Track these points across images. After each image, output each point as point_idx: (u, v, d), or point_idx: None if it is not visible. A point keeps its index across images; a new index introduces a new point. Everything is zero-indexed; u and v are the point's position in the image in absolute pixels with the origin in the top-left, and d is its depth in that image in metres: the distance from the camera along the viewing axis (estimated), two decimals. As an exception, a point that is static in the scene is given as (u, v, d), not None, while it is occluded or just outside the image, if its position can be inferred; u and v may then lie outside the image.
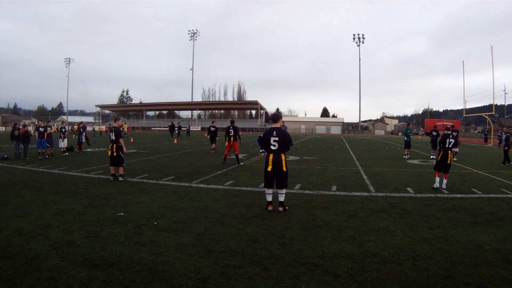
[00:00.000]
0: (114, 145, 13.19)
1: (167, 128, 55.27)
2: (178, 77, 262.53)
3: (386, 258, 5.68)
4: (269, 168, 8.73)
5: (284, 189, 8.85)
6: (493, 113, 50.37)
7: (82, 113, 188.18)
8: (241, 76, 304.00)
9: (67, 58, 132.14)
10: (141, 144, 35.72)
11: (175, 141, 40.24)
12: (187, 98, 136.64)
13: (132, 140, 41.37)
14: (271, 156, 8.78)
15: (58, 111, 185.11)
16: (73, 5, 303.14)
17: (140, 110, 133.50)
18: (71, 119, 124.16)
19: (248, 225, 7.52)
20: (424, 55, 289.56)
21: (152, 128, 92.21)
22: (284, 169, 8.74)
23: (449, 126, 13.65)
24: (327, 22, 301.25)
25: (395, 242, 6.46)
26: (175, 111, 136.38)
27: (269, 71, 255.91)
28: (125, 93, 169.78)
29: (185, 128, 59.38)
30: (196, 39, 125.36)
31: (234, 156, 18.79)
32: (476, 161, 22.89)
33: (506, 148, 21.13)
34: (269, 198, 8.88)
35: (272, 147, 8.80)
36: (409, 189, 12.08)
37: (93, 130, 61.05)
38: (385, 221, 7.95)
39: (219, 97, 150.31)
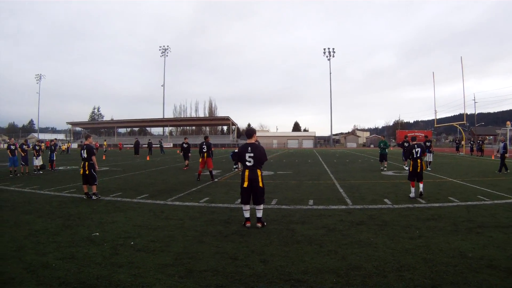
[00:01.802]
0: (86, 163, 12.87)
1: (146, 146, 54.46)
2: (149, 94, 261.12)
3: (370, 270, 5.61)
4: (245, 184, 8.64)
5: (262, 205, 8.74)
6: (464, 122, 51.25)
7: (53, 130, 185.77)
8: (212, 92, 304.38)
9: (38, 74, 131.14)
10: (114, 161, 35.32)
11: (148, 158, 39.93)
12: (157, 115, 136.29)
13: (104, 157, 40.78)
14: (246, 172, 8.69)
15: (29, 128, 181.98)
16: (44, 20, 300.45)
17: (111, 127, 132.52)
18: (42, 136, 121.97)
19: (227, 242, 7.37)
20: (393, 68, 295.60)
21: (124, 145, 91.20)
22: (261, 185, 8.66)
23: (414, 136, 14.31)
24: (298, 37, 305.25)
25: (378, 254, 6.41)
26: (147, 128, 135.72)
27: (240, 86, 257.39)
28: (96, 110, 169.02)
29: (157, 145, 59.10)
30: (167, 55, 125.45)
31: (208, 173, 18.65)
32: (450, 170, 23.34)
33: (503, 156, 21.63)
34: (247, 214, 8.78)
35: (248, 163, 8.71)
36: (386, 200, 12.13)
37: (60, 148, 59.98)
38: (365, 234, 7.90)
39: (191, 113, 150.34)
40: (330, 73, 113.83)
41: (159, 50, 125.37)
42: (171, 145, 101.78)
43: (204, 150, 18.33)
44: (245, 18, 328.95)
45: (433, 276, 5.35)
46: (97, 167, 13.27)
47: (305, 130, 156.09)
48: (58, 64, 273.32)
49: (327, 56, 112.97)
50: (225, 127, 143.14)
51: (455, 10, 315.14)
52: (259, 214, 8.69)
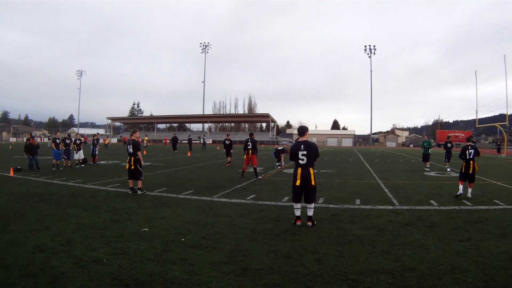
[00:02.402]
0: (132, 158, 13.03)
1: (186, 141, 54.44)
2: (188, 90, 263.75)
3: (424, 272, 5.55)
4: (298, 183, 8.58)
5: (313, 204, 8.67)
6: (506, 123, 49.72)
7: (93, 125, 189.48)
8: (252, 88, 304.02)
9: (79, 70, 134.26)
10: (155, 157, 35.66)
11: (189, 154, 40.10)
12: (197, 111, 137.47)
13: (145, 153, 41.11)
14: (299, 170, 8.62)
15: (69, 123, 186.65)
16: (85, 17, 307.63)
17: (151, 122, 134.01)
18: (82, 131, 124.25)
19: (279, 241, 7.33)
20: (434, 66, 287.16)
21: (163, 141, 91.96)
22: (313, 183, 8.59)
23: (469, 137, 13.78)
24: (338, 33, 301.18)
25: (430, 256, 6.36)
26: (186, 124, 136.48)
27: (279, 83, 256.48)
28: (135, 106, 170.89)
29: (197, 141, 59.28)
30: (207, 52, 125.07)
31: (252, 170, 18.61)
32: (493, 172, 22.50)
33: None
34: (298, 212, 8.70)
35: (301, 161, 8.65)
36: (432, 201, 11.90)
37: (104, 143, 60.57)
38: (415, 235, 7.81)
39: (230, 110, 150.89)
40: (371, 71, 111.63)
41: (200, 46, 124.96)
42: (211, 141, 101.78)
43: (249, 147, 18.39)
44: (285, 14, 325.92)
45: (486, 279, 5.27)
46: (143, 162, 13.39)
47: (344, 128, 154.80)
48: (99, 60, 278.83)
49: (368, 53, 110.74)
50: (264, 124, 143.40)
51: (496, 4, 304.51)
52: (310, 212, 8.59)
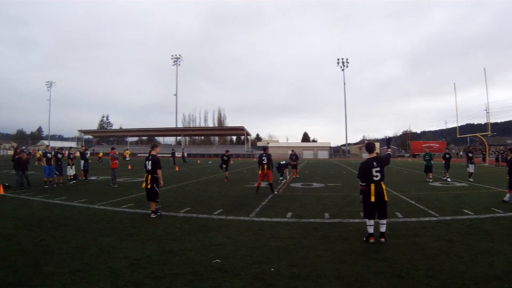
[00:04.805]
0: (149, 176, 11.56)
1: (170, 155, 54.07)
2: (157, 103, 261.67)
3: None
4: (372, 199, 8.37)
5: (385, 219, 8.53)
6: (489, 132, 50.30)
7: (61, 138, 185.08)
8: (221, 102, 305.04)
9: (48, 81, 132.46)
10: (142, 172, 33.75)
11: (177, 169, 38.64)
12: (166, 124, 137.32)
13: (130, 167, 39.64)
14: (372, 186, 8.42)
15: (37, 135, 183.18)
16: (54, 29, 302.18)
17: (121, 136, 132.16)
18: (52, 144, 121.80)
19: (372, 260, 6.97)
20: (401, 78, 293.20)
21: (138, 154, 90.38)
22: (386, 198, 8.49)
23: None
24: (304, 47, 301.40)
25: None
26: (155, 137, 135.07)
27: (248, 96, 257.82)
28: (105, 119, 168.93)
29: (179, 155, 58.09)
30: (179, 64, 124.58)
31: (268, 185, 17.63)
32: (495, 180, 23.42)
33: None
34: (371, 230, 8.45)
35: (375, 178, 8.45)
36: (466, 210, 12.16)
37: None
38: (483, 242, 8.08)
39: (200, 123, 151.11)
40: (344, 84, 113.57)
41: (171, 59, 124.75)
42: (186, 155, 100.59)
43: (264, 161, 17.29)
44: (254, 29, 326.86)
45: None
46: (162, 181, 11.95)
47: (313, 141, 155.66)
48: (67, 72, 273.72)
49: (341, 67, 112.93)
50: (234, 137, 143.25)
51: (459, 21, 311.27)
52: (383, 228, 8.48)
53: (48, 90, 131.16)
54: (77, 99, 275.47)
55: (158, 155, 12.09)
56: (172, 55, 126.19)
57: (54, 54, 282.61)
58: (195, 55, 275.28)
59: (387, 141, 10.75)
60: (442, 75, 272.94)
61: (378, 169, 8.45)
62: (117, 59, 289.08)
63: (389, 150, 9.75)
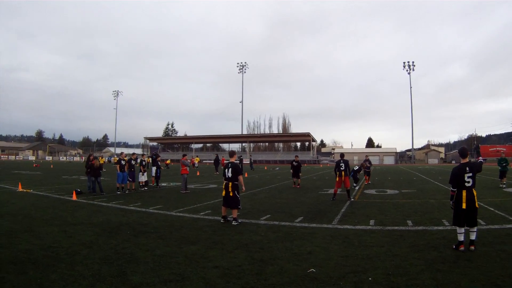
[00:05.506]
0: (230, 183, 11.45)
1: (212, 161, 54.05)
2: (221, 109, 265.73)
3: None
4: (464, 206, 8.14)
5: (476, 227, 8.29)
6: None
7: (126, 145, 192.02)
8: (285, 108, 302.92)
9: (115, 91, 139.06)
10: (210, 178, 34.21)
11: (245, 175, 38.34)
12: (230, 131, 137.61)
13: (198, 173, 40.01)
14: (464, 193, 8.21)
15: (103, 142, 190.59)
16: (119, 39, 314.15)
17: (186, 142, 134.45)
18: (118, 150, 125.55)
19: (465, 268, 6.78)
20: (466, 80, 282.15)
21: (204, 161, 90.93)
22: (477, 205, 8.22)
23: None
24: (367, 51, 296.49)
25: None
26: (220, 144, 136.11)
27: (312, 102, 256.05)
28: (170, 126, 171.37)
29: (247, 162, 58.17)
30: (245, 72, 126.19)
31: (345, 192, 17.39)
32: None
33: None
34: (461, 237, 8.20)
35: (467, 184, 8.23)
36: None
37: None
38: None
39: (264, 129, 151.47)
40: (411, 87, 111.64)
41: (237, 66, 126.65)
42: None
43: (341, 168, 16.91)
44: (316, 34, 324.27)
45: None
46: (244, 188, 11.91)
47: (378, 146, 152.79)
48: (133, 81, 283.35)
49: (407, 70, 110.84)
50: (298, 144, 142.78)
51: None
52: (474, 236, 8.23)
53: (115, 99, 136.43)
54: (143, 107, 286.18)
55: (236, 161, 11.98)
56: (238, 63, 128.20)
57: (120, 65, 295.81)
58: (260, 62, 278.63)
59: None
60: (506, 75, 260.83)
61: (470, 174, 8.19)
62: (182, 67, 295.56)
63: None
